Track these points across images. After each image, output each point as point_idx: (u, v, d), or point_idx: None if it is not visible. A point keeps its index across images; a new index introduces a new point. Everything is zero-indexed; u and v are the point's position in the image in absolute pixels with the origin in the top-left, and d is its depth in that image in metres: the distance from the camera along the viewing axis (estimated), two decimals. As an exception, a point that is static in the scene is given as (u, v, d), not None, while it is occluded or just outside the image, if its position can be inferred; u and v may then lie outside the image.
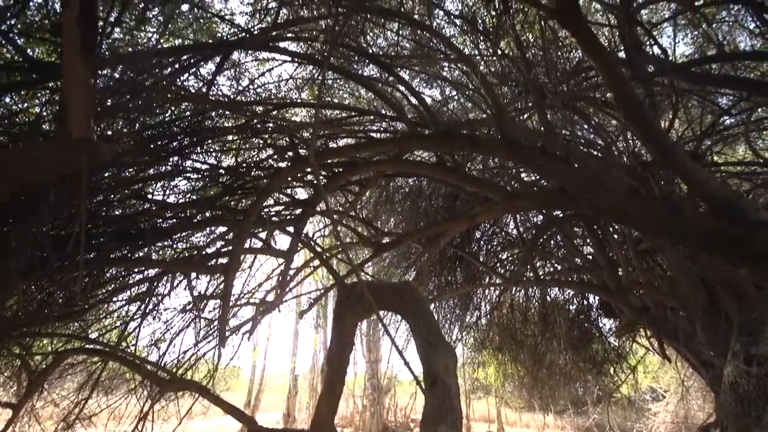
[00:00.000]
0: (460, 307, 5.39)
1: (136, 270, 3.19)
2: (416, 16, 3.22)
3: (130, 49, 2.66)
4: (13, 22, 2.36)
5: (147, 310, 3.19)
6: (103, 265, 2.80)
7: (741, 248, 1.54)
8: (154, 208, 2.93)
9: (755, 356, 1.50)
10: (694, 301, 2.71)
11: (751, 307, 1.85)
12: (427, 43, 3.19)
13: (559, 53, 3.03)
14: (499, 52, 3.09)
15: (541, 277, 4.48)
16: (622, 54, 2.92)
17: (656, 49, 3.12)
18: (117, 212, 2.95)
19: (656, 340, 3.83)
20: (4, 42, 2.35)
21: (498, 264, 5.02)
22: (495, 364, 6.34)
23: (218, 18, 2.97)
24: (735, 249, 1.56)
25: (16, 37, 2.35)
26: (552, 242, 4.81)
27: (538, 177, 3.78)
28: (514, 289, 5.15)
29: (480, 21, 3.34)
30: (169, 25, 2.60)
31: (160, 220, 2.99)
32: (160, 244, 3.15)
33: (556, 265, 4.86)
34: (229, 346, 3.14)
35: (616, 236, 3.64)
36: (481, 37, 3.26)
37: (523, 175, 3.93)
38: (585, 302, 5.22)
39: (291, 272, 3.19)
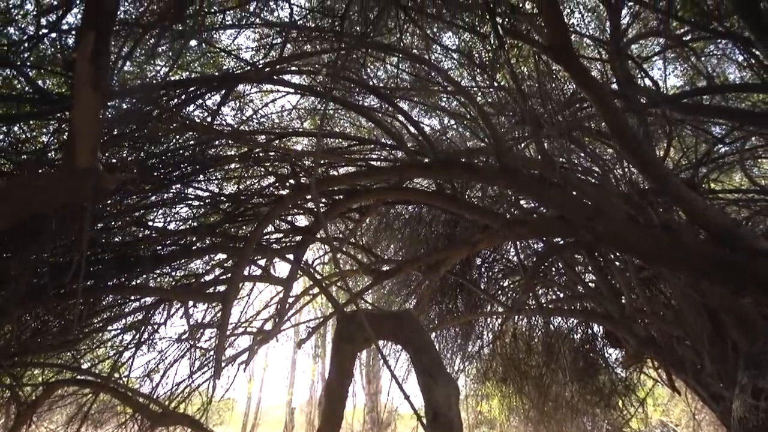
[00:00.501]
0: (461, 337, 5.28)
1: (132, 298, 3.16)
2: (415, 51, 3.36)
3: (138, 81, 2.76)
4: (26, 55, 2.46)
5: (142, 340, 3.13)
6: (100, 293, 2.78)
7: (742, 276, 1.53)
8: (154, 234, 2.94)
9: (763, 390, 1.46)
10: (700, 331, 2.66)
11: (757, 337, 1.81)
12: (425, 75, 3.31)
13: (554, 84, 3.12)
14: (496, 84, 3.19)
15: (544, 305, 4.42)
16: (614, 86, 3.02)
17: (647, 82, 3.23)
18: (117, 239, 2.95)
19: (664, 371, 3.72)
20: (16, 74, 2.44)
21: (499, 292, 4.96)
22: (499, 396, 6.13)
23: (225, 52, 3.09)
24: (736, 277, 1.55)
25: (28, 70, 2.44)
26: (553, 270, 4.77)
27: (537, 204, 3.81)
28: (517, 317, 5.06)
29: (476, 55, 3.47)
30: (178, 59, 2.70)
31: (160, 247, 2.99)
32: (158, 272, 3.13)
33: (558, 293, 4.80)
34: (224, 377, 3.06)
35: (617, 263, 3.62)
36: (478, 70, 3.38)
37: (522, 202, 3.96)
38: (589, 331, 5.12)
39: (290, 300, 3.15)
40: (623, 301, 3.48)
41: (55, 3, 2.68)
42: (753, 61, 3.26)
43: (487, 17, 2.34)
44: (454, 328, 5.17)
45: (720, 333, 2.59)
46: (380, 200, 3.21)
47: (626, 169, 3.15)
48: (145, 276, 2.95)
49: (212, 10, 2.77)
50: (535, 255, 4.62)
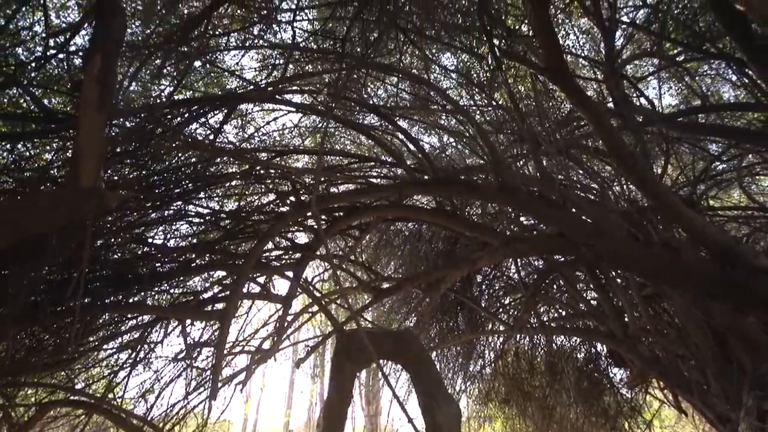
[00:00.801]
0: (462, 356, 5.19)
1: (129, 316, 3.12)
2: (414, 71, 3.43)
3: (143, 99, 2.81)
4: (33, 75, 2.51)
5: (137, 359, 3.08)
6: (97, 311, 2.75)
7: (743, 294, 1.52)
8: (153, 251, 2.93)
9: (769, 412, 1.43)
10: (705, 350, 2.62)
11: (762, 357, 1.78)
12: (425, 94, 3.37)
13: (552, 103, 3.18)
14: (494, 103, 3.24)
15: (546, 323, 4.36)
16: (611, 105, 3.07)
17: (643, 101, 3.28)
18: (115, 256, 2.94)
19: (670, 392, 3.65)
20: (22, 93, 2.49)
21: (501, 309, 4.90)
22: (502, 418, 5.98)
23: (228, 72, 3.15)
24: (737, 295, 1.54)
25: (35, 89, 2.49)
26: (555, 287, 4.73)
27: (537, 221, 3.81)
28: (519, 336, 4.99)
29: (474, 75, 3.55)
30: (182, 80, 2.75)
31: (159, 265, 2.97)
32: (156, 289, 3.11)
33: (560, 310, 4.75)
34: (220, 397, 2.99)
35: (619, 281, 3.59)
36: (476, 89, 3.44)
37: (521, 218, 3.97)
38: (593, 350, 5.03)
39: (288, 318, 3.11)
40: (626, 319, 3.43)
41: (64, 25, 2.76)
42: (746, 81, 3.33)
43: (485, 39, 2.40)
44: (455, 347, 5.09)
45: (725, 352, 2.56)
46: (380, 217, 3.21)
47: (625, 187, 3.17)
48: (143, 294, 2.93)
49: (216, 33, 2.84)
50: (535, 272, 4.59)
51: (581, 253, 2.05)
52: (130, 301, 2.85)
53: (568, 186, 3.15)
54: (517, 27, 3.02)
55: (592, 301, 4.12)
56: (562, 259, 3.77)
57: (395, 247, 4.45)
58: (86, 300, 2.54)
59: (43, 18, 2.59)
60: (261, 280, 3.12)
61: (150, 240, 3.01)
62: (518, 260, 4.28)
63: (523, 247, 2.50)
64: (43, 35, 2.57)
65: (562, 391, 4.99)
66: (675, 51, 3.51)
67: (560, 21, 3.58)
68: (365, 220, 3.21)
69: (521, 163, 3.41)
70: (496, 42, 2.48)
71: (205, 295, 3.09)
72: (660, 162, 3.52)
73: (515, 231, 3.74)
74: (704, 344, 2.63)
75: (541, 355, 5.23)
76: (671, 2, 3.13)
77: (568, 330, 4.41)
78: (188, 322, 2.97)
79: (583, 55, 3.86)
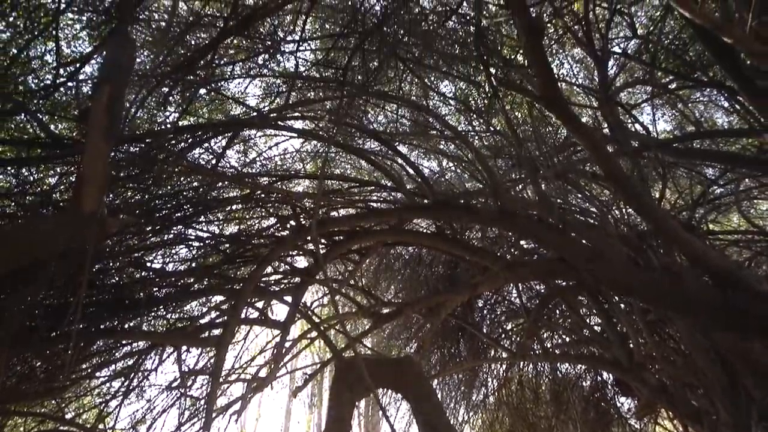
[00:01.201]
0: (465, 384, 5.05)
1: (123, 342, 3.06)
2: (414, 98, 3.51)
3: (147, 125, 2.86)
4: (41, 102, 2.58)
5: (130, 387, 3.00)
6: (92, 337, 2.70)
7: (746, 320, 1.49)
8: (151, 275, 2.91)
9: (779, 445, 1.37)
10: (712, 377, 2.55)
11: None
12: (424, 121, 3.44)
13: (549, 129, 3.24)
14: (492, 129, 3.31)
15: (550, 350, 4.27)
16: (607, 131, 3.13)
17: (638, 127, 3.35)
18: (113, 280, 2.91)
19: (679, 422, 3.52)
20: (29, 119, 2.54)
21: (503, 335, 4.81)
22: (506, 451, 5.75)
23: (232, 100, 3.23)
24: (740, 321, 1.52)
25: (42, 115, 2.54)
26: (558, 312, 4.66)
27: (537, 245, 3.80)
28: (522, 363, 4.87)
29: (472, 101, 3.63)
30: (188, 107, 2.82)
31: (156, 289, 2.94)
32: (152, 315, 3.07)
33: (564, 336, 4.65)
34: (214, 428, 2.90)
35: (622, 306, 3.54)
36: (474, 116, 3.52)
37: (522, 242, 3.96)
38: (599, 378, 4.90)
39: (286, 345, 3.05)
40: (631, 346, 3.36)
41: (75, 55, 2.85)
42: (738, 107, 3.40)
43: (482, 68, 2.48)
44: (456, 374, 4.96)
45: (733, 379, 2.49)
46: (380, 242, 3.21)
47: (624, 211, 3.18)
48: (139, 319, 2.88)
49: (222, 62, 2.93)
50: (537, 296, 4.53)
51: (582, 278, 2.04)
52: (126, 326, 2.80)
53: (567, 210, 3.16)
54: (512, 57, 3.12)
55: (595, 327, 4.05)
56: (564, 283, 3.73)
57: (395, 272, 4.42)
58: (82, 325, 2.50)
59: (54, 48, 2.68)
60: (259, 305, 3.08)
61: (149, 264, 2.99)
62: (519, 285, 4.24)
63: (523, 272, 2.49)
64: (54, 64, 2.65)
65: (568, 421, 4.82)
66: (667, 79, 3.61)
67: (554, 51, 3.70)
68: (365, 244, 3.21)
69: (520, 187, 3.44)
70: (492, 71, 2.56)
71: (203, 321, 3.05)
72: (657, 186, 3.55)
73: (516, 255, 3.73)
74: (711, 371, 2.57)
75: (545, 384, 5.09)
76: (660, 33, 3.24)
77: (572, 357, 4.30)
78: (184, 348, 2.91)
79: (577, 83, 3.96)
